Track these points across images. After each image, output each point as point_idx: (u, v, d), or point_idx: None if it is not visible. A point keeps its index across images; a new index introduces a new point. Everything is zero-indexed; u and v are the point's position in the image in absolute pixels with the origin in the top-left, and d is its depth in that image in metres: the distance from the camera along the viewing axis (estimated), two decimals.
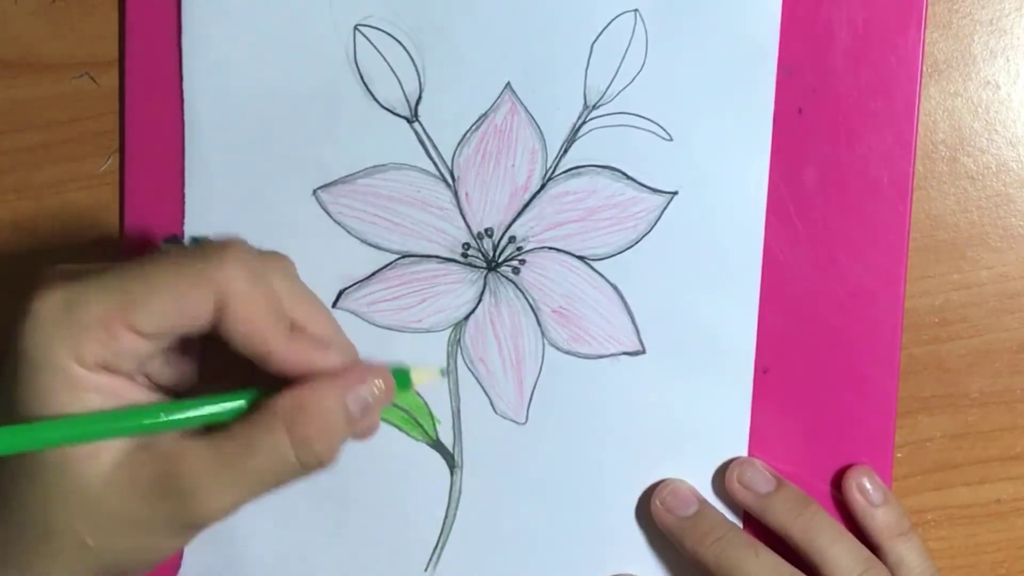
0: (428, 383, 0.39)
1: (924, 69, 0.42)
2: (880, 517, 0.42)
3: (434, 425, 0.44)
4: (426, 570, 0.44)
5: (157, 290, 0.33)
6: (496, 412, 0.44)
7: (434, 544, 0.44)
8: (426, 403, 0.44)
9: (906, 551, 0.42)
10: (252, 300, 0.34)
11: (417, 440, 0.44)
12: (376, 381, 0.35)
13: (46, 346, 0.33)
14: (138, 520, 0.34)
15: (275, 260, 0.36)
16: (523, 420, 0.44)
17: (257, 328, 0.34)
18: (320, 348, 0.35)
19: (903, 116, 0.42)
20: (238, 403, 0.34)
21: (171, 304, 0.33)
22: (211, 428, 0.34)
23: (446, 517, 0.44)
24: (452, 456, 0.44)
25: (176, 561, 0.44)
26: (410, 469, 0.44)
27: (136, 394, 0.34)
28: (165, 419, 0.34)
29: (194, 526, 0.34)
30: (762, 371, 0.43)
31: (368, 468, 0.44)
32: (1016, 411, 0.45)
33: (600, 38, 0.42)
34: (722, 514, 0.43)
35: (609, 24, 0.42)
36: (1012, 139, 0.44)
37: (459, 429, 0.44)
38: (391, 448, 0.44)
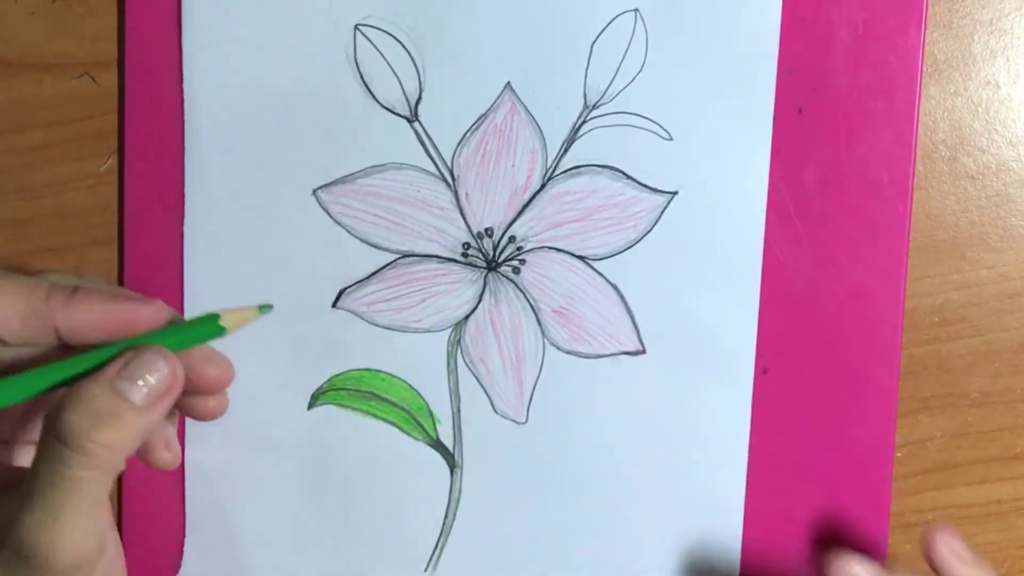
0: (244, 319, 0.37)
1: (924, 69, 0.42)
2: None
3: (434, 425, 0.44)
4: (426, 570, 0.44)
5: None
6: (496, 412, 0.44)
7: (434, 544, 0.44)
8: (426, 403, 0.44)
9: None
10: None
11: (417, 440, 0.44)
12: (153, 357, 0.34)
13: None
14: None
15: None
16: (523, 420, 0.44)
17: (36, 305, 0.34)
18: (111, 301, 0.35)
19: (903, 116, 0.42)
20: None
21: None
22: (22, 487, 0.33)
23: (446, 517, 0.44)
24: (452, 456, 0.44)
25: (176, 561, 0.44)
26: (410, 469, 0.44)
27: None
28: None
29: (46, 571, 0.33)
30: (762, 371, 0.43)
31: (368, 468, 0.44)
32: (1016, 411, 0.45)
33: (600, 38, 0.42)
34: None
35: (609, 24, 0.42)
36: (1012, 139, 0.44)
37: (459, 429, 0.44)
38: (391, 448, 0.44)
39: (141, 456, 0.39)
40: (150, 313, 0.36)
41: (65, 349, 0.36)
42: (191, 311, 0.43)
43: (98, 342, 0.35)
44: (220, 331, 0.36)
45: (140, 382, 0.34)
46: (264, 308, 0.38)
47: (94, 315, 0.35)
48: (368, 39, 0.42)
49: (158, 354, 0.35)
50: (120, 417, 0.33)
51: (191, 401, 0.38)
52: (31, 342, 0.36)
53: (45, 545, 0.32)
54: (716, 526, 0.43)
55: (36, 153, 0.44)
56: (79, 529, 0.33)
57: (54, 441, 0.32)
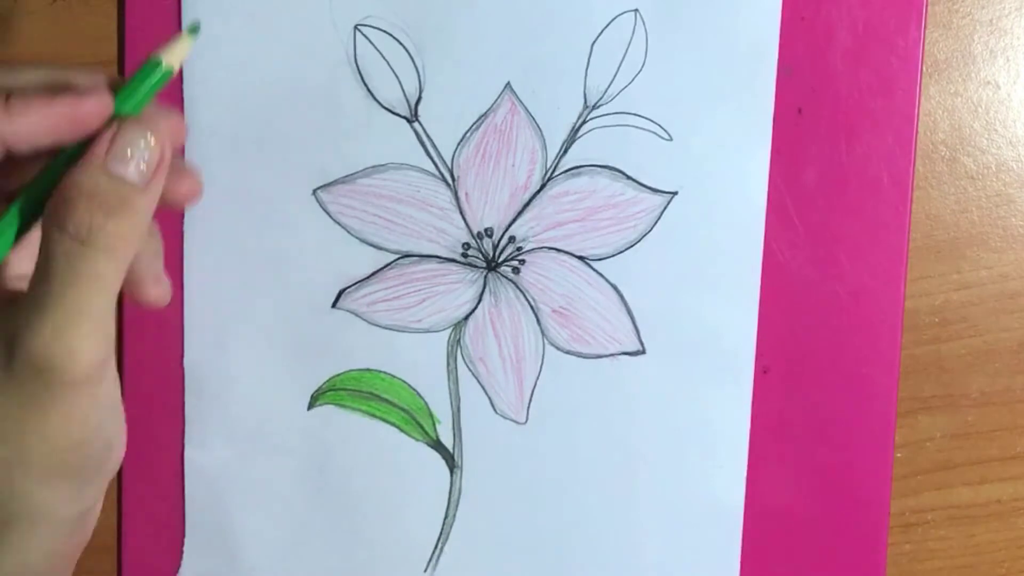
0: (182, 50, 0.34)
1: (924, 69, 0.42)
2: None
3: (434, 425, 0.44)
4: (426, 570, 0.44)
5: None
6: (496, 412, 0.44)
7: (434, 544, 0.44)
8: (426, 403, 0.44)
9: None
10: None
11: (417, 440, 0.44)
12: (129, 131, 0.32)
13: None
14: (21, 403, 0.31)
15: None
16: (523, 420, 0.44)
17: None
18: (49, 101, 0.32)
19: (903, 116, 0.42)
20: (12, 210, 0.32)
21: None
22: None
23: (446, 517, 0.44)
24: (452, 456, 0.44)
25: (176, 561, 0.44)
26: (410, 469, 0.44)
27: None
28: None
29: (64, 377, 0.31)
30: (762, 371, 0.43)
31: (368, 468, 0.44)
32: (1016, 411, 0.45)
33: (600, 38, 0.42)
34: None
35: (609, 24, 0.42)
36: (1012, 139, 0.44)
37: (459, 429, 0.44)
38: (391, 448, 0.44)
39: (133, 295, 0.36)
40: (95, 106, 0.32)
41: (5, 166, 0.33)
42: (191, 311, 0.43)
43: (49, 147, 0.32)
44: (168, 72, 0.33)
45: (132, 159, 0.32)
46: (193, 29, 0.34)
47: (37, 121, 0.32)
48: (368, 39, 0.42)
49: (137, 125, 0.32)
50: (129, 202, 0.31)
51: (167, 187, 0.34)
52: None
53: (63, 353, 0.31)
54: (716, 526, 0.43)
55: None
56: (97, 332, 0.31)
57: (67, 239, 0.31)
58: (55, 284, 0.31)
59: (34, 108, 0.32)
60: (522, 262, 0.43)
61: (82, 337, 0.31)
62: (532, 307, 0.43)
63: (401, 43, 0.42)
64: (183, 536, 0.44)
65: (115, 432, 0.34)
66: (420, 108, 0.42)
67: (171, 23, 0.42)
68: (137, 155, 0.32)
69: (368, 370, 0.43)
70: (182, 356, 0.43)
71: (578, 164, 0.43)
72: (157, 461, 0.44)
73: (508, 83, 0.42)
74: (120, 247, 0.31)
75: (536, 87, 0.42)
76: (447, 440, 0.44)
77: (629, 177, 0.43)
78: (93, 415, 0.33)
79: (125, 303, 0.43)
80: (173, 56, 0.33)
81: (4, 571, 0.33)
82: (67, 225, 0.31)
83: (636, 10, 0.42)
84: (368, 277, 0.43)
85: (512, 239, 0.43)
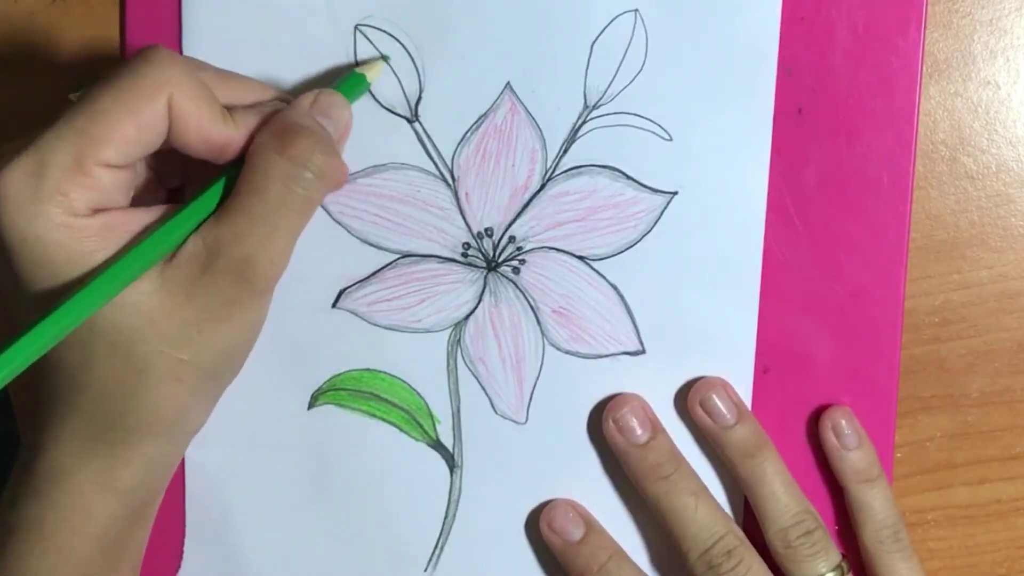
0: (377, 69, 0.41)
1: (924, 69, 0.42)
2: (849, 460, 0.42)
3: (434, 425, 0.44)
4: (426, 570, 0.44)
5: (112, 119, 0.33)
6: (496, 412, 0.44)
7: (434, 544, 0.44)
8: (426, 403, 0.44)
9: (871, 497, 0.41)
10: (199, 95, 0.35)
11: (417, 440, 0.44)
12: (338, 101, 0.38)
13: (38, 215, 0.32)
14: (211, 311, 0.34)
15: (185, 56, 0.38)
16: (523, 420, 0.44)
17: (205, 121, 0.35)
18: (260, 109, 0.37)
19: (903, 116, 0.42)
20: (221, 181, 0.36)
21: (131, 127, 0.33)
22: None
23: (446, 517, 0.44)
24: (452, 456, 0.44)
25: (176, 561, 0.44)
26: (410, 469, 0.44)
27: (135, 219, 0.35)
28: (182, 231, 0.35)
29: (262, 288, 0.35)
30: (762, 371, 0.43)
31: (368, 468, 0.44)
32: (1016, 411, 0.45)
33: (600, 38, 0.42)
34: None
35: (609, 24, 0.42)
36: (1012, 139, 0.44)
37: (459, 429, 0.44)
38: (391, 448, 0.44)
39: None
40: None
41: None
42: None
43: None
44: (366, 87, 0.41)
45: (331, 118, 0.37)
46: (386, 57, 0.42)
47: (250, 90, 0.38)
48: (368, 39, 0.42)
49: (337, 95, 0.38)
50: (335, 146, 0.37)
51: None
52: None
53: (264, 262, 0.35)
54: None
55: None
56: (289, 249, 0.36)
57: (286, 163, 0.35)
58: (270, 200, 0.35)
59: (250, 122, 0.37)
60: (522, 262, 0.43)
61: (280, 251, 0.35)
62: (532, 307, 0.43)
63: (401, 43, 0.42)
64: (183, 536, 0.44)
65: (249, 351, 0.39)
66: (420, 108, 0.42)
67: (171, 23, 0.42)
68: (335, 114, 0.37)
69: (368, 370, 0.43)
70: None
71: (578, 164, 0.43)
72: None
73: (508, 83, 0.42)
74: (329, 179, 0.36)
75: (536, 87, 0.42)
76: (447, 440, 0.44)
77: (629, 177, 0.43)
78: (260, 324, 0.38)
79: None
80: (372, 73, 0.41)
81: (126, 478, 0.36)
82: (288, 151, 0.35)
83: (636, 10, 0.42)
84: (368, 277, 0.43)
85: (512, 239, 0.43)
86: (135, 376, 0.34)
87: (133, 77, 0.34)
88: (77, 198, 0.33)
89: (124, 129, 0.33)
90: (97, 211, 0.34)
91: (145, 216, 0.35)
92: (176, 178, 0.40)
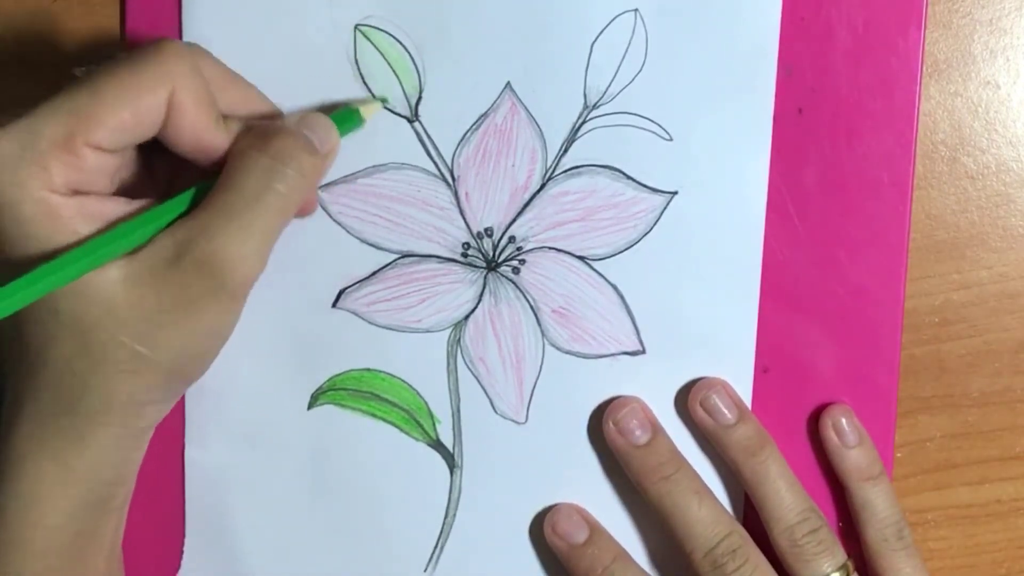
0: (374, 109, 0.42)
1: (924, 69, 0.42)
2: (851, 458, 0.42)
3: (434, 425, 0.44)
4: (426, 570, 0.44)
5: (110, 102, 0.33)
6: (496, 412, 0.44)
7: (434, 544, 0.44)
8: (426, 403, 0.44)
9: (873, 495, 0.41)
10: (200, 96, 0.35)
11: (417, 440, 0.44)
12: (323, 122, 0.38)
13: (16, 183, 0.32)
14: (176, 307, 0.34)
15: (197, 47, 0.37)
16: (523, 420, 0.44)
17: (200, 122, 0.35)
18: (258, 125, 0.37)
19: (903, 116, 0.42)
20: (202, 184, 0.36)
21: (127, 113, 0.33)
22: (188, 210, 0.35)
23: (446, 517, 0.44)
24: (452, 456, 0.44)
25: (176, 561, 0.44)
26: (410, 469, 0.44)
27: (112, 208, 0.34)
28: (154, 225, 0.34)
29: (233, 288, 0.35)
30: (762, 371, 0.43)
31: (368, 468, 0.44)
32: (1016, 411, 0.45)
33: (600, 38, 0.42)
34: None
35: (609, 24, 0.42)
36: (1012, 139, 0.44)
37: (459, 429, 0.44)
38: (391, 448, 0.44)
39: None
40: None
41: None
42: None
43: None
44: (360, 122, 0.40)
45: (315, 134, 0.37)
46: (383, 99, 0.42)
47: (249, 98, 0.38)
48: (368, 39, 0.42)
49: (325, 118, 0.38)
50: (317, 152, 0.36)
51: None
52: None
53: (234, 260, 0.34)
54: None
55: None
56: (265, 249, 0.35)
57: (266, 159, 0.35)
58: (246, 195, 0.34)
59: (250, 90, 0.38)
60: (522, 262, 0.43)
61: (253, 250, 0.34)
62: (532, 307, 0.43)
63: (401, 43, 0.42)
64: (183, 536, 0.44)
65: (215, 355, 0.38)
66: (420, 108, 0.42)
67: (172, 21, 0.42)
68: (321, 133, 0.37)
69: (368, 370, 0.43)
70: None
71: (578, 164, 0.43)
72: (157, 461, 0.44)
73: (508, 83, 0.42)
74: (309, 177, 0.36)
75: (536, 87, 0.42)
76: (447, 440, 0.44)
77: (629, 177, 0.43)
78: (228, 328, 0.37)
79: None
80: (367, 111, 0.41)
81: (82, 465, 0.35)
82: (269, 149, 0.35)
83: (636, 10, 0.42)
84: (368, 277, 0.43)
85: (512, 239, 0.43)
86: (91, 363, 0.34)
87: (140, 65, 0.34)
88: (58, 175, 0.33)
89: (120, 114, 0.33)
90: (77, 192, 0.33)
91: (124, 207, 0.35)
92: (166, 177, 0.40)
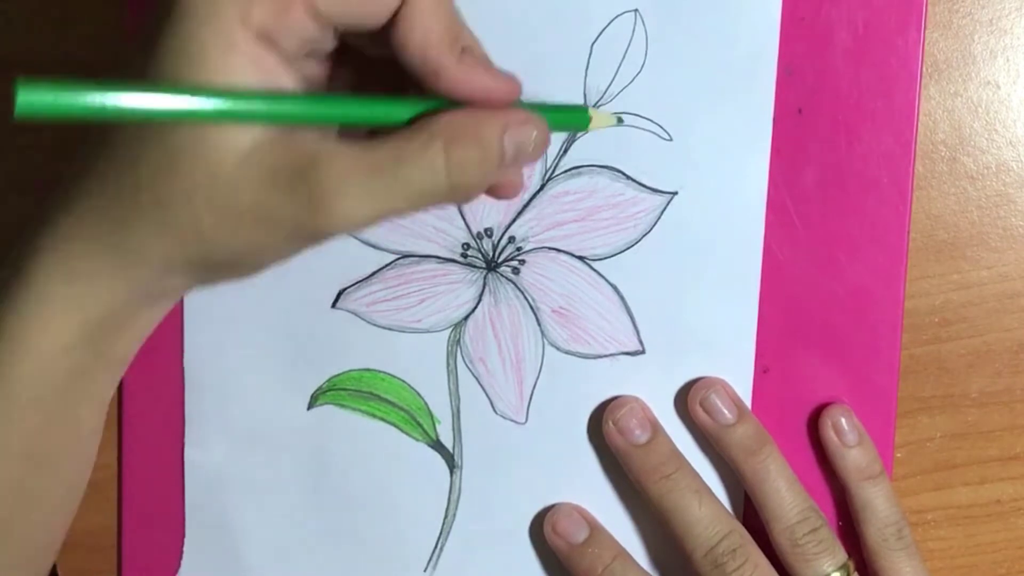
0: (605, 122, 0.39)
1: (924, 69, 0.42)
2: (850, 458, 0.42)
3: (434, 425, 0.44)
4: (426, 570, 0.44)
5: None
6: (496, 412, 0.44)
7: (434, 544, 0.44)
8: (426, 403, 0.44)
9: (873, 495, 0.41)
10: (439, 6, 0.32)
11: (417, 440, 0.44)
12: (534, 131, 0.33)
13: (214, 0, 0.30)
14: (264, 215, 0.31)
15: None
16: (523, 420, 0.44)
17: (435, 38, 0.31)
18: (492, 74, 0.33)
19: (903, 116, 0.42)
20: (399, 112, 0.32)
21: None
22: (353, 135, 0.32)
23: (446, 517, 0.44)
24: (452, 456, 0.44)
25: (176, 561, 0.44)
26: (410, 469, 0.44)
27: (287, 81, 0.32)
28: (322, 110, 0.31)
29: (318, 232, 0.32)
30: (762, 371, 0.43)
31: (368, 468, 0.44)
32: (1016, 411, 0.45)
33: (600, 38, 0.42)
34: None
35: (609, 24, 0.42)
36: (1012, 139, 0.44)
37: (459, 429, 0.44)
38: (391, 448, 0.44)
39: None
40: (513, 87, 0.34)
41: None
42: (190, 311, 0.43)
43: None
44: (582, 127, 0.37)
45: (515, 147, 0.33)
46: (620, 119, 0.41)
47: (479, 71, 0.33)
48: None
49: (543, 132, 0.34)
50: (487, 179, 0.33)
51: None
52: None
53: (343, 213, 0.31)
54: None
55: (35, 153, 0.44)
56: (372, 224, 0.32)
57: (437, 156, 0.31)
58: (400, 168, 0.31)
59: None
60: (522, 262, 0.43)
61: (363, 219, 0.31)
62: (532, 307, 0.43)
63: None
64: (183, 536, 0.44)
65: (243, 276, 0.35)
66: None
67: None
68: (520, 149, 0.33)
69: (368, 370, 0.43)
70: (182, 356, 0.43)
71: (578, 164, 0.43)
72: (157, 461, 0.44)
73: None
74: (456, 199, 0.33)
75: (536, 87, 0.42)
76: (447, 440, 0.44)
77: (629, 177, 0.43)
78: (277, 260, 0.34)
79: None
80: (598, 121, 0.37)
81: (94, 292, 0.33)
82: (453, 151, 0.31)
83: (636, 10, 0.42)
84: (368, 277, 0.43)
85: (512, 239, 0.43)
86: (152, 200, 0.31)
87: None
88: (259, 13, 0.30)
89: None
90: (267, 39, 0.31)
91: (292, 82, 0.32)
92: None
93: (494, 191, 0.35)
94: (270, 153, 0.31)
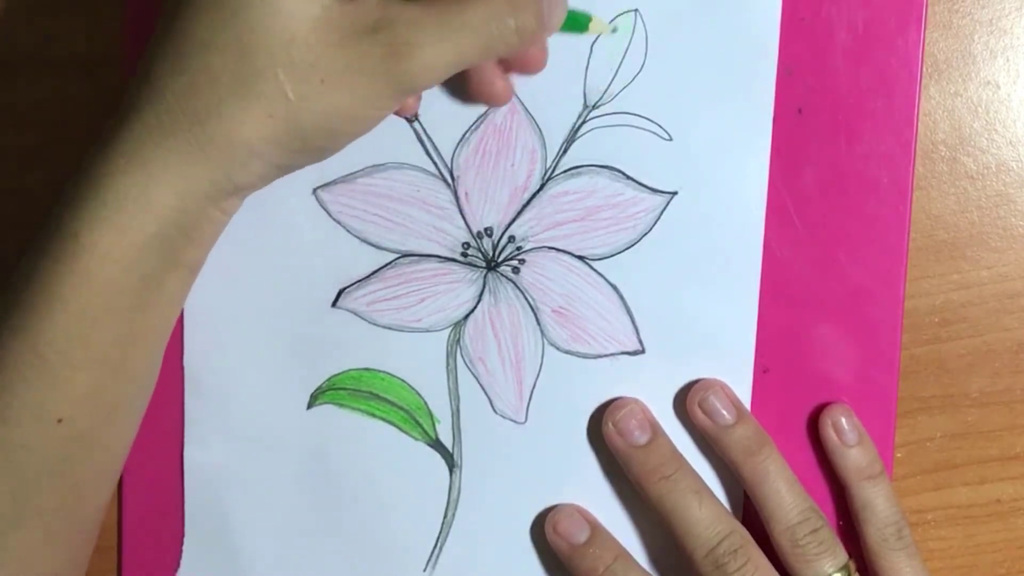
0: (599, 35, 0.41)
1: (924, 69, 0.42)
2: (851, 457, 0.42)
3: (434, 425, 0.44)
4: (425, 570, 0.44)
5: None
6: (496, 412, 0.44)
7: (434, 544, 0.44)
8: (426, 403, 0.44)
9: (873, 494, 0.41)
10: None
11: (417, 440, 0.44)
12: None
13: None
14: (347, 72, 0.33)
15: None
16: (523, 420, 0.44)
17: None
18: None
19: (903, 116, 0.42)
20: None
21: None
22: None
23: (445, 517, 0.44)
24: (452, 456, 0.44)
25: (176, 561, 0.44)
26: (410, 469, 0.44)
27: None
28: None
29: (401, 84, 0.34)
30: (762, 371, 0.43)
31: (367, 468, 0.44)
32: (1016, 411, 0.45)
33: (600, 38, 0.42)
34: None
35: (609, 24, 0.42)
36: (1012, 139, 0.44)
37: (459, 429, 0.44)
38: (390, 448, 0.44)
39: (476, 91, 0.39)
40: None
41: None
42: (190, 311, 0.43)
43: None
44: (582, 29, 0.40)
45: (548, 8, 0.35)
46: (615, 28, 0.42)
47: None
48: None
49: (563, 5, 0.36)
50: (540, 24, 0.35)
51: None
52: None
53: (425, 62, 0.33)
54: None
55: (35, 153, 0.44)
56: (452, 71, 0.34)
57: (504, 4, 0.34)
58: (469, 17, 0.33)
59: None
60: (522, 262, 0.43)
61: (443, 66, 0.34)
62: (532, 307, 0.43)
63: None
64: (183, 536, 0.44)
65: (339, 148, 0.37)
66: (420, 108, 0.42)
67: None
68: (555, 11, 0.36)
69: (368, 369, 0.43)
70: (182, 355, 0.43)
71: (578, 164, 0.43)
72: (157, 461, 0.44)
73: None
74: (522, 40, 0.35)
75: (536, 87, 0.42)
76: (447, 440, 0.44)
77: (629, 177, 0.43)
78: (371, 122, 0.36)
79: None
80: (595, 26, 0.40)
81: (169, 191, 0.34)
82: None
83: (636, 10, 0.42)
84: (368, 277, 0.43)
85: (512, 239, 0.43)
86: (233, 82, 0.32)
87: None
88: None
89: None
90: None
91: None
92: None
93: (523, 65, 0.38)
94: (340, 14, 0.33)
